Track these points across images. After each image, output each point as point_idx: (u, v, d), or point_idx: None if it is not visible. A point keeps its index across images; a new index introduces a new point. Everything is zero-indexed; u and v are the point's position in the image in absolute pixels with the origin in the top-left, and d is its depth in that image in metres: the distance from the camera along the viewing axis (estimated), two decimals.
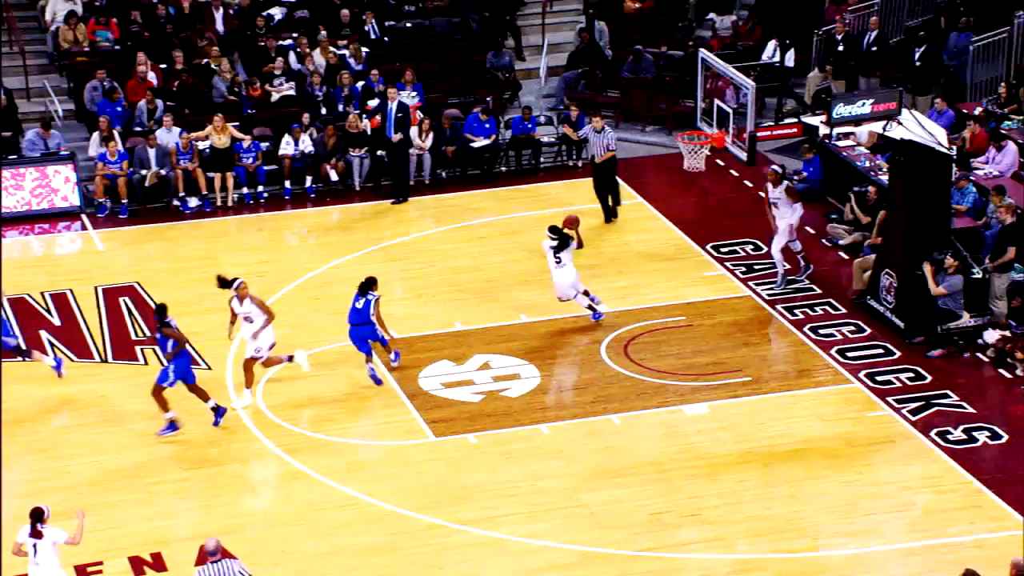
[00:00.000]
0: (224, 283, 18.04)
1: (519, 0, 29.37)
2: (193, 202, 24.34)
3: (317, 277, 21.78)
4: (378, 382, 18.71)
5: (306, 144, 24.80)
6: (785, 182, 20.97)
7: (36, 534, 13.93)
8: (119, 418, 17.96)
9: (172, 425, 17.67)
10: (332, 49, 26.54)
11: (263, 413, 18.18)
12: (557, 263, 19.88)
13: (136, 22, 26.69)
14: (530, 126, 25.88)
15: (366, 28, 27.40)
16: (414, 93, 25.89)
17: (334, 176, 24.89)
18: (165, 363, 17.77)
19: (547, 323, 20.37)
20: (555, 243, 19.84)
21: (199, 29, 26.75)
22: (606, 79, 27.82)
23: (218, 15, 27.13)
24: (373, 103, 25.37)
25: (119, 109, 24.97)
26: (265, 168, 24.70)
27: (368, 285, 18.72)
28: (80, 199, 24.08)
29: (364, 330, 18.61)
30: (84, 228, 23.70)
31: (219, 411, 17.82)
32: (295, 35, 26.98)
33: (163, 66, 25.93)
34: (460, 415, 18.16)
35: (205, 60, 26.09)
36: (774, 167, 21.33)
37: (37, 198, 23.87)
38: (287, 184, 24.78)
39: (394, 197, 24.56)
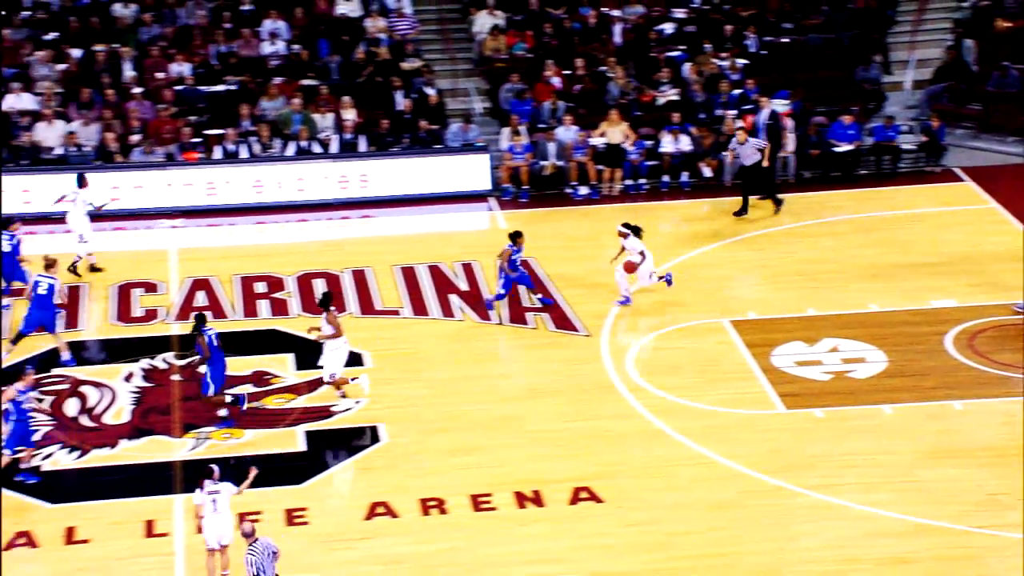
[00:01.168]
0: (325, 300, 17.54)
1: (890, 19, 28.30)
2: (583, 191, 24.72)
3: (688, 260, 21.72)
4: (547, 303, 19.83)
5: (685, 143, 24.76)
6: None
7: (213, 490, 13.87)
8: (504, 375, 18.47)
9: (229, 422, 17.10)
10: (714, 61, 26.38)
11: (631, 377, 18.30)
12: (641, 256, 19.71)
13: (547, 34, 27.33)
14: (892, 134, 24.94)
15: (746, 42, 27.05)
16: (786, 101, 25.36)
17: (708, 172, 24.74)
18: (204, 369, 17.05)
19: (895, 313, 19.57)
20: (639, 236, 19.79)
21: (602, 40, 27.15)
22: (969, 92, 26.46)
23: (616, 29, 27.41)
24: (748, 108, 25.08)
25: (527, 108, 25.65)
26: (647, 163, 24.81)
27: (514, 237, 19.56)
28: (491, 184, 24.90)
29: (520, 278, 19.89)
30: (491, 209, 24.51)
31: (236, 411, 17.12)
32: (683, 47, 26.96)
33: (566, 72, 26.44)
34: (808, 391, 17.70)
35: (603, 68, 26.43)
36: None
37: (455, 182, 24.82)
38: (665, 178, 24.82)
39: (760, 194, 24.17)
